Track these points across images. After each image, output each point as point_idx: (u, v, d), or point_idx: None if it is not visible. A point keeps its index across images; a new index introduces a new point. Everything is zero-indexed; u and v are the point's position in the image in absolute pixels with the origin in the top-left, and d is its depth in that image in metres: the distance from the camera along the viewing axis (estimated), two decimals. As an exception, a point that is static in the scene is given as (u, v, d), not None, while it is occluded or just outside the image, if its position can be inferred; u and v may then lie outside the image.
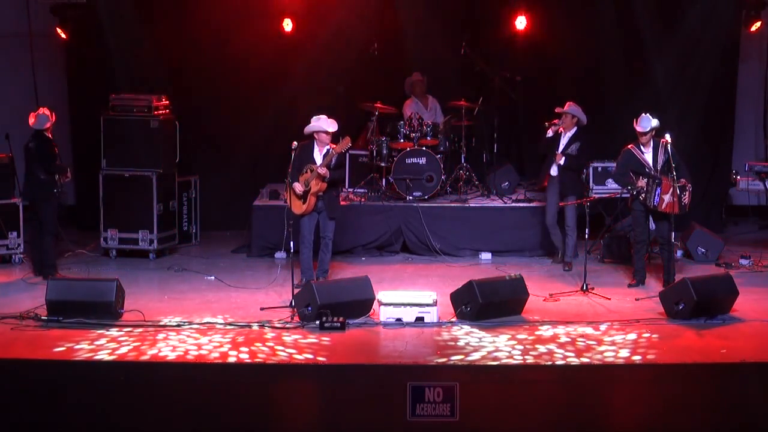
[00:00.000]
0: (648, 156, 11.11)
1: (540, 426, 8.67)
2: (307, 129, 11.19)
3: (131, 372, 8.77)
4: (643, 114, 11.15)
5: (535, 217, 12.64)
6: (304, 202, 11.13)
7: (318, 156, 11.19)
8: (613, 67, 14.10)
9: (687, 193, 10.86)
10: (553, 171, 11.92)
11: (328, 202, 11.22)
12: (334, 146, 11.17)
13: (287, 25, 13.74)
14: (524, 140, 14.11)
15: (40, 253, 11.66)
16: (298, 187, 11.02)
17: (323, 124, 11.14)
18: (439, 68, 13.87)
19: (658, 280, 11.40)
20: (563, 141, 11.83)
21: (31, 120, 11.67)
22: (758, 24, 13.71)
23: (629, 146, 11.23)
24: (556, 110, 11.85)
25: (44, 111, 11.69)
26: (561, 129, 11.82)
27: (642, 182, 11.01)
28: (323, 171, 11.01)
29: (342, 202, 12.79)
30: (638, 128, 11.09)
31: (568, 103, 11.88)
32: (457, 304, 10.15)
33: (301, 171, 11.11)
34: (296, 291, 10.32)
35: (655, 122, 11.10)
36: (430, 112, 13.64)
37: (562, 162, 11.79)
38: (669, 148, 11.00)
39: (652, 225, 11.31)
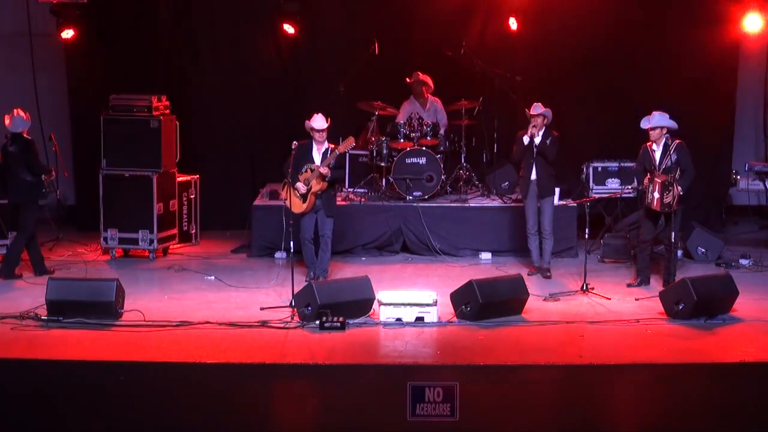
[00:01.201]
0: (657, 154, 11.11)
1: (540, 426, 8.68)
2: (306, 126, 11.28)
3: (131, 372, 8.75)
4: (655, 112, 11.13)
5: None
6: (304, 202, 11.16)
7: (317, 155, 11.24)
8: (613, 67, 14.10)
9: (671, 192, 10.81)
10: (533, 175, 11.65)
11: (326, 200, 11.27)
12: (333, 145, 11.23)
13: (289, 28, 13.73)
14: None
15: (8, 250, 11.61)
16: (302, 187, 11.05)
17: (313, 122, 11.20)
18: (439, 68, 13.85)
19: (658, 280, 11.40)
20: (536, 141, 11.60)
21: (6, 122, 11.62)
22: (757, 25, 13.69)
23: (647, 143, 11.22)
24: (527, 113, 11.63)
25: (19, 113, 11.61)
26: (538, 130, 11.58)
27: (646, 180, 11.02)
28: (325, 170, 11.07)
29: (342, 202, 12.85)
30: (642, 124, 11.10)
31: (534, 104, 11.67)
32: (457, 304, 10.14)
33: (300, 170, 11.13)
34: (304, 285, 10.28)
35: (665, 122, 11.05)
36: (428, 113, 13.61)
37: (537, 141, 11.53)
38: (679, 151, 10.98)
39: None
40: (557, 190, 12.93)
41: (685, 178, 10.94)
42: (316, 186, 11.14)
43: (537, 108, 11.63)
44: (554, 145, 11.63)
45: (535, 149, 11.59)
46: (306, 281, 10.97)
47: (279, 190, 11.29)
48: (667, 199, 10.84)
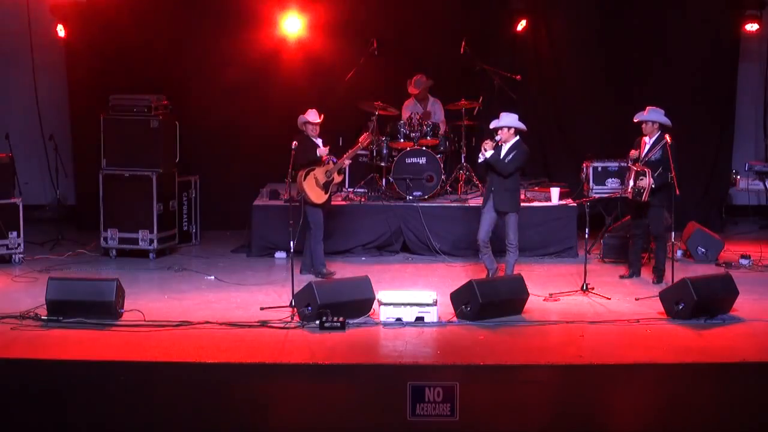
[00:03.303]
0: (647, 148, 11.21)
1: (540, 426, 8.67)
2: (300, 120, 11.62)
3: (131, 372, 8.75)
4: (649, 107, 11.21)
5: (534, 217, 12.62)
6: (326, 192, 11.47)
7: (322, 148, 11.58)
8: (613, 66, 14.10)
9: (643, 180, 10.95)
10: (492, 186, 11.14)
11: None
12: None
13: (292, 25, 13.73)
14: (524, 140, 14.11)
15: None
16: (331, 167, 11.49)
17: (309, 116, 11.50)
18: (439, 68, 13.85)
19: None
20: (503, 151, 11.11)
21: None
22: (757, 24, 13.71)
23: (643, 136, 11.32)
24: (491, 126, 11.19)
25: None
26: (501, 142, 11.12)
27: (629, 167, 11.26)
28: (348, 162, 11.71)
29: (342, 202, 12.88)
30: (635, 118, 11.21)
31: (502, 114, 11.21)
32: (457, 304, 10.13)
33: (316, 162, 11.44)
34: (304, 285, 10.32)
35: (657, 117, 11.14)
36: (427, 114, 13.60)
37: (488, 155, 10.96)
38: (663, 149, 11.05)
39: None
40: (557, 190, 12.94)
41: (662, 175, 10.99)
42: (338, 178, 11.60)
43: (504, 118, 11.05)
44: (514, 161, 10.98)
45: (485, 161, 11.04)
46: (321, 276, 11.35)
47: (301, 181, 11.39)
48: (639, 185, 10.98)
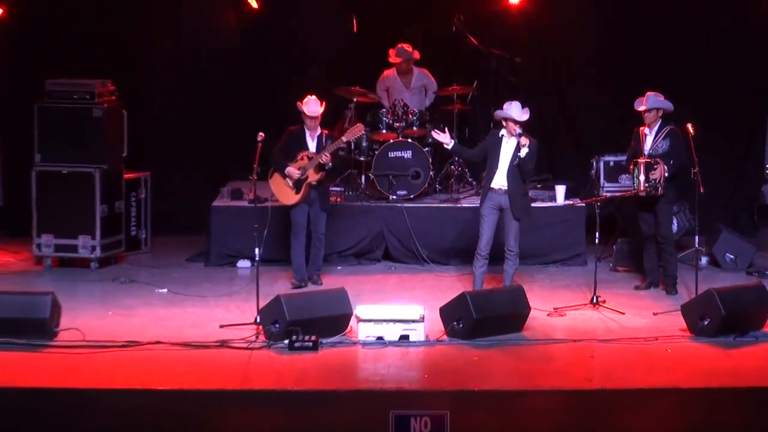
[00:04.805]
0: (649, 139, 11.31)
1: (544, 461, 8.66)
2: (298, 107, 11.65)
3: (68, 400, 8.69)
4: (649, 92, 11.29)
5: (537, 219, 12.56)
6: (297, 192, 11.51)
7: (311, 143, 11.58)
8: (628, 48, 14.07)
9: (656, 170, 11.04)
10: (497, 183, 11.01)
11: (321, 192, 11.66)
12: (327, 131, 11.74)
13: (253, 1, 13.73)
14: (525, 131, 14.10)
15: None
16: (295, 173, 11.44)
17: (305, 106, 11.52)
18: (428, 47, 13.82)
19: (684, 290, 11.48)
20: (512, 146, 10.98)
21: None
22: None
23: (639, 128, 11.42)
24: (503, 120, 10.96)
25: None
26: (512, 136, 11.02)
27: (631, 166, 11.30)
28: (326, 158, 11.42)
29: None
30: (635, 106, 11.30)
31: (510, 102, 10.94)
32: (447, 320, 10.12)
33: (291, 158, 11.48)
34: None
35: (660, 103, 11.20)
36: (412, 93, 13.51)
37: (522, 153, 10.77)
38: (672, 137, 11.15)
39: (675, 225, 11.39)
40: (562, 188, 12.92)
41: (673, 165, 11.11)
42: (314, 176, 11.51)
43: (515, 110, 10.86)
44: (531, 159, 10.86)
45: (517, 159, 10.85)
46: (292, 287, 11.36)
47: (268, 180, 11.59)
48: (653, 177, 11.05)
